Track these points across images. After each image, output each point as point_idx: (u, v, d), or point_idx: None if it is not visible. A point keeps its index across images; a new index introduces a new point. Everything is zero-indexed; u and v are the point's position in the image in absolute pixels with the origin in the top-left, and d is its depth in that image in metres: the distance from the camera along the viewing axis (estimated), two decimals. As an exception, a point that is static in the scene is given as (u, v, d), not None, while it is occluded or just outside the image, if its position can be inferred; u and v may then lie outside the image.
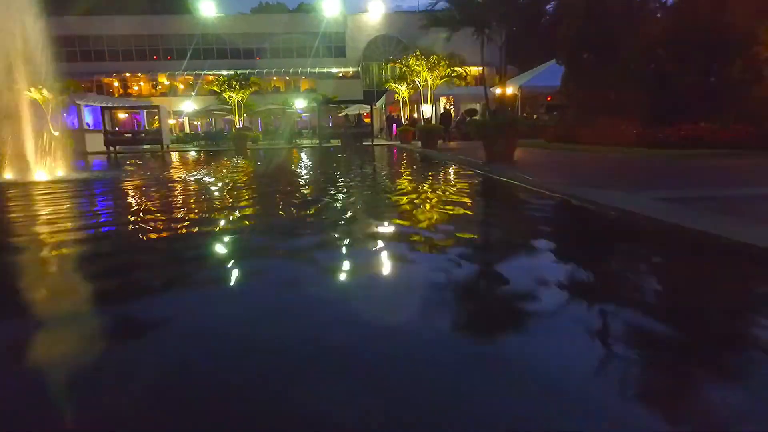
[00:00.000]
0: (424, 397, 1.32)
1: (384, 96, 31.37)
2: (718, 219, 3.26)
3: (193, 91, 40.29)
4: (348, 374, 1.45)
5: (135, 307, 2.14)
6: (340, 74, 41.02)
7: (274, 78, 40.89)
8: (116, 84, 40.60)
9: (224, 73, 40.47)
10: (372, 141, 22.67)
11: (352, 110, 33.05)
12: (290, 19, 42.18)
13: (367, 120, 28.51)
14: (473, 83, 41.97)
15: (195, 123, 40.52)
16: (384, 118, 32.50)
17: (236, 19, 42.73)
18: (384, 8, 43.59)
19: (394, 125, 28.32)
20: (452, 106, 29.00)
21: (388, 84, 21.11)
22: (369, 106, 30.55)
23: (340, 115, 33.85)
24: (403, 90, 21.59)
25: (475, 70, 42.45)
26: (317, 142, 25.71)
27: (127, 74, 40.37)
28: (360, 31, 42.24)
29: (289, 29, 41.68)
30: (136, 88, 41.18)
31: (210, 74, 40.16)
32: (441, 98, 28.86)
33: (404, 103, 26.34)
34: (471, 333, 1.79)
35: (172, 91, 40.73)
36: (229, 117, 32.76)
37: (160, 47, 41.65)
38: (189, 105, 40.26)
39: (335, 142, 24.67)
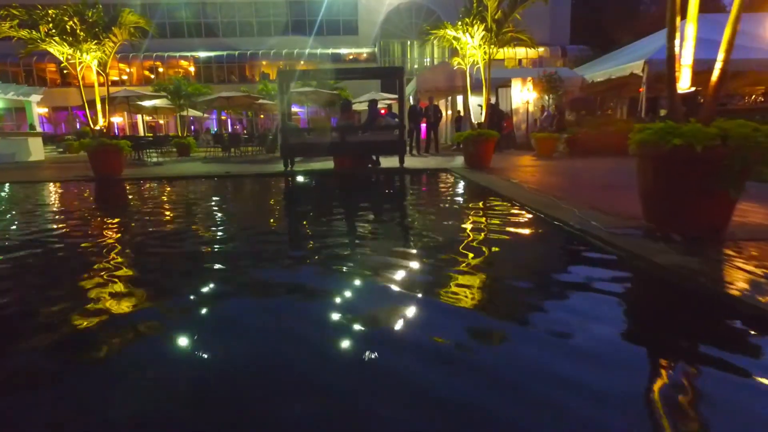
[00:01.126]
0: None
1: (413, 82, 21.10)
2: None
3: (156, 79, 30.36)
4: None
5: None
6: (351, 57, 30.85)
7: (263, 63, 30.87)
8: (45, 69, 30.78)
9: (200, 55, 30.81)
10: (402, 158, 12.93)
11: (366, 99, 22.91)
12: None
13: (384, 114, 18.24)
14: (529, 67, 31.59)
15: (160, 122, 30.68)
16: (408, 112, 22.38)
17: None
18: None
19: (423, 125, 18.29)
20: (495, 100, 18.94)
21: (455, 59, 11.00)
22: (389, 97, 20.49)
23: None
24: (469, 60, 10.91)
25: (533, 53, 32.23)
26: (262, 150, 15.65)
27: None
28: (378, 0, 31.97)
29: (283, -3, 31.59)
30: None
31: (183, 56, 30.38)
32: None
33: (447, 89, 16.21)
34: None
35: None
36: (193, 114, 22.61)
37: (113, 22, 31.62)
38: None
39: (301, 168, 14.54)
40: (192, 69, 30.65)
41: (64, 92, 30.19)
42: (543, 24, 32.24)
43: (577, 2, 34.16)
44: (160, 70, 30.46)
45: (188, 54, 30.49)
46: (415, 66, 30.81)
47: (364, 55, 30.92)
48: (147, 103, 17.48)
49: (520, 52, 31.03)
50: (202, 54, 30.56)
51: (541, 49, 31.20)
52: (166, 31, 31.94)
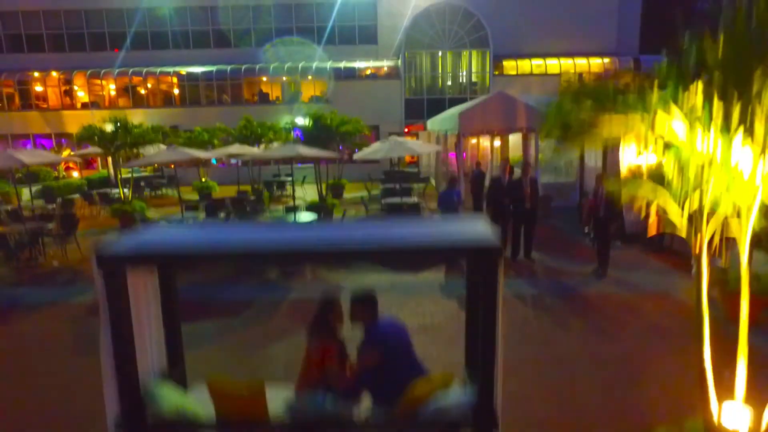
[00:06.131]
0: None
1: (455, 115, 15.92)
2: None
3: (133, 99, 26.12)
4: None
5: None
6: (369, 71, 26.10)
7: (263, 80, 26.38)
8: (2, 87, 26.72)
9: (186, 70, 26.39)
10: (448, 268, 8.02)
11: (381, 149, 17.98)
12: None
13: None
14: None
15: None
16: (448, 162, 17.21)
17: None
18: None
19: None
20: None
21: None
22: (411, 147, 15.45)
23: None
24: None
25: (597, 64, 27.00)
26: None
27: (33, 73, 26.47)
28: (402, 1, 27.20)
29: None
30: (39, 90, 27.19)
31: (165, 71, 26.24)
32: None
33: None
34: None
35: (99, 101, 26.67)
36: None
37: (84, 30, 27.63)
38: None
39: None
40: (175, 87, 26.32)
41: None
42: (609, 30, 27.16)
43: (649, 6, 28.87)
44: (140, 83, 26.20)
45: (170, 69, 26.16)
46: (448, 83, 25.90)
47: (385, 68, 26.24)
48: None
49: (580, 62, 25.91)
50: (189, 69, 26.21)
51: (606, 60, 26.03)
52: (148, 41, 27.71)
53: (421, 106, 25.85)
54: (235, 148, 14.07)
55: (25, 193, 20.16)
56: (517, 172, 11.11)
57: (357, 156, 12.23)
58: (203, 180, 19.56)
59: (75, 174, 25.39)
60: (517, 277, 8.43)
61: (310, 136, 13.01)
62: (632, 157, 10.12)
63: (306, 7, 27.31)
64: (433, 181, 21.33)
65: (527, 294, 7.71)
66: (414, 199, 13.02)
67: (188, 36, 27.79)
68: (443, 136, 17.97)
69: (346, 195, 19.25)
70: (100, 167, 26.60)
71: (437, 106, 25.82)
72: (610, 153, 11.24)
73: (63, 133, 26.47)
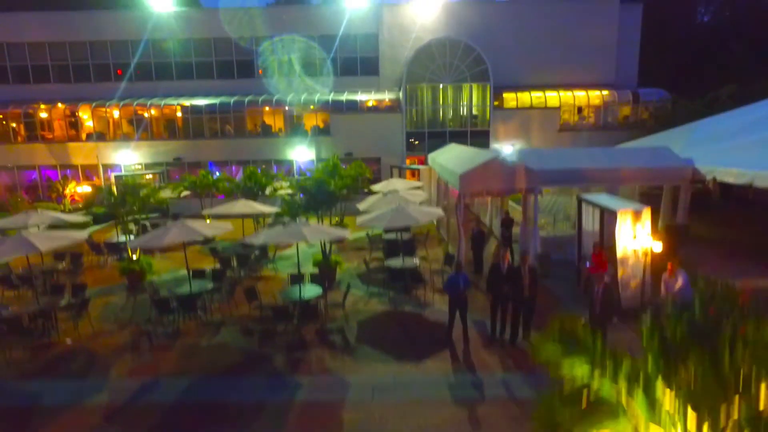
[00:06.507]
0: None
1: (456, 172, 16.25)
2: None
3: (137, 131, 26.46)
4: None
5: None
6: (370, 104, 26.41)
7: (265, 110, 26.69)
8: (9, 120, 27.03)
9: (195, 103, 26.53)
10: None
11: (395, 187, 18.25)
12: (289, 15, 27.82)
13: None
14: (592, 120, 26.70)
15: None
16: (457, 206, 17.46)
17: (206, 16, 28.70)
18: (441, -5, 28.75)
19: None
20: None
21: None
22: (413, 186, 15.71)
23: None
24: None
25: (596, 95, 27.21)
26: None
27: (38, 105, 26.78)
28: (402, 33, 27.67)
29: (287, 29, 27.41)
30: (45, 121, 27.50)
31: (169, 104, 26.57)
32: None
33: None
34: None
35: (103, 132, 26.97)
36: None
37: (90, 61, 28.00)
38: (128, 156, 26.59)
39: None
40: (179, 119, 26.62)
41: None
42: (608, 61, 27.46)
43: (647, 40, 29.19)
44: (144, 115, 26.48)
45: (174, 102, 26.47)
46: (449, 116, 26.19)
47: (387, 100, 26.48)
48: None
49: (579, 95, 26.20)
50: (192, 102, 26.51)
51: (605, 92, 26.33)
52: (151, 72, 28.07)
53: (422, 139, 26.15)
54: (241, 205, 14.37)
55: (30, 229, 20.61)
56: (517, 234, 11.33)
57: (359, 222, 12.49)
58: (208, 221, 19.83)
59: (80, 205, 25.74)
60: (517, 370, 8.74)
61: (311, 197, 13.29)
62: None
63: (308, 38, 27.61)
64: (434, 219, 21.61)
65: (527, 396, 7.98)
66: (415, 262, 13.29)
67: (191, 67, 28.13)
68: (444, 184, 18.33)
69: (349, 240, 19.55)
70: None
71: (438, 138, 26.17)
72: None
73: (68, 164, 26.83)
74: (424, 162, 25.62)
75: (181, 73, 28.12)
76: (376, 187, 20.02)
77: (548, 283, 13.48)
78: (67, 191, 25.17)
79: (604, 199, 12.03)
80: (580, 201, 12.86)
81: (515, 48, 27.20)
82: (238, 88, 27.99)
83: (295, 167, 26.39)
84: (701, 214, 16.91)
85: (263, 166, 17.49)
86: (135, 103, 26.51)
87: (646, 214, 10.37)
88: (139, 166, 26.56)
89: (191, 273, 12.02)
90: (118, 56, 27.92)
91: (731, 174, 13.43)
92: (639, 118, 26.33)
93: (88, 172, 27.16)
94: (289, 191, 16.07)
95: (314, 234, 10.07)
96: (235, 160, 26.65)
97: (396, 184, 19.85)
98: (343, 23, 27.53)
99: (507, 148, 25.93)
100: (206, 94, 27.56)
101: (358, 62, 28.07)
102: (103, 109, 26.83)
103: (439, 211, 12.89)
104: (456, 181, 14.17)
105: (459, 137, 26.04)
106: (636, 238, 10.22)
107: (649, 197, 18.45)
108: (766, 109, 16.89)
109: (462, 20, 27.44)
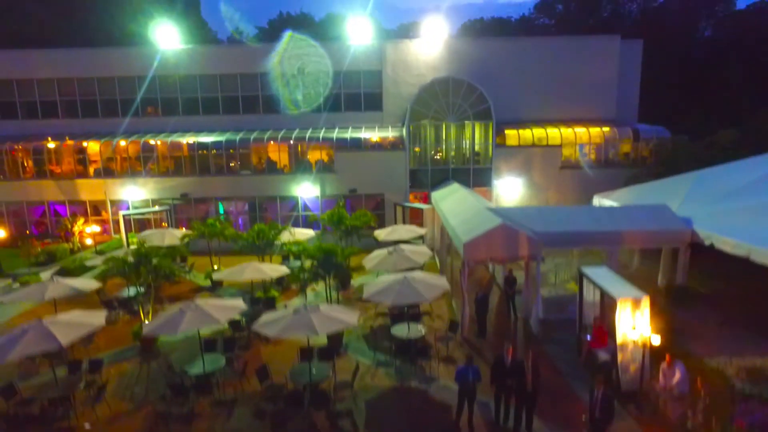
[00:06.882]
0: None
1: (459, 235, 16.57)
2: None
3: (144, 167, 26.87)
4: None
5: None
6: (374, 141, 26.79)
7: (270, 145, 27.06)
8: (18, 155, 27.40)
9: (200, 139, 26.84)
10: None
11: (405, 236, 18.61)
12: (292, 50, 28.18)
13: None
14: (593, 159, 27.04)
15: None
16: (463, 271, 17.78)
17: (213, 53, 29.19)
18: (445, 29, 29.12)
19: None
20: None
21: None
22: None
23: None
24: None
25: (596, 131, 27.53)
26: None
27: (47, 143, 27.19)
28: (406, 70, 28.07)
29: (292, 64, 27.83)
30: (53, 157, 27.90)
31: (176, 141, 26.98)
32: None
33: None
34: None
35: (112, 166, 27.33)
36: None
37: (97, 97, 28.44)
38: (136, 192, 26.99)
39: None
40: (186, 156, 27.00)
41: None
42: (608, 98, 27.90)
43: (648, 76, 29.58)
44: (151, 151, 26.87)
45: (181, 139, 26.87)
46: (452, 153, 26.55)
47: (390, 138, 26.86)
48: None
49: (580, 131, 26.57)
50: (199, 139, 26.89)
51: (606, 129, 26.69)
52: (158, 107, 28.53)
53: (425, 177, 26.52)
54: (250, 271, 14.76)
55: (43, 277, 21.04)
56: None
57: (366, 296, 12.87)
58: (215, 268, 20.26)
59: (89, 241, 26.14)
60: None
61: (320, 265, 13.66)
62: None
63: (313, 74, 28.02)
64: (437, 259, 22.02)
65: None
66: (421, 330, 13.65)
67: (197, 103, 28.56)
68: (448, 238, 18.72)
69: (354, 281, 19.95)
70: (112, 232, 27.37)
71: (441, 176, 26.58)
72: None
73: (77, 200, 27.23)
74: (427, 198, 26.03)
75: (188, 109, 28.57)
76: (380, 235, 20.42)
77: (549, 349, 13.86)
78: (76, 229, 25.56)
79: (605, 277, 12.39)
80: (581, 275, 13.22)
81: (516, 84, 27.62)
82: (244, 123, 28.42)
83: (300, 203, 26.77)
84: (701, 263, 17.18)
85: (269, 218, 17.78)
86: (142, 140, 26.90)
87: (645, 302, 10.72)
88: (146, 202, 26.98)
89: (203, 344, 12.42)
90: (125, 92, 28.36)
91: (728, 244, 13.80)
92: (639, 155, 26.69)
93: (96, 208, 27.63)
94: (296, 251, 16.40)
95: (324, 324, 10.44)
96: (241, 195, 27.05)
97: (400, 231, 20.22)
98: (347, 60, 27.94)
99: (508, 185, 26.35)
100: (212, 130, 28.00)
101: (362, 98, 28.49)
102: (110, 144, 27.19)
103: (444, 284, 13.23)
104: (460, 246, 14.56)
105: (462, 174, 26.45)
106: (635, 328, 10.57)
107: (651, 253, 18.89)
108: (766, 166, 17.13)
109: (464, 57, 27.84)
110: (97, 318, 11.30)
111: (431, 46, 27.90)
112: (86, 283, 14.54)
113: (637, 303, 10.72)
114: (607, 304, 11.78)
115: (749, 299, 16.14)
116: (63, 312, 11.83)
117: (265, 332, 10.47)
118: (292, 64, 27.81)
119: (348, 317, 11.04)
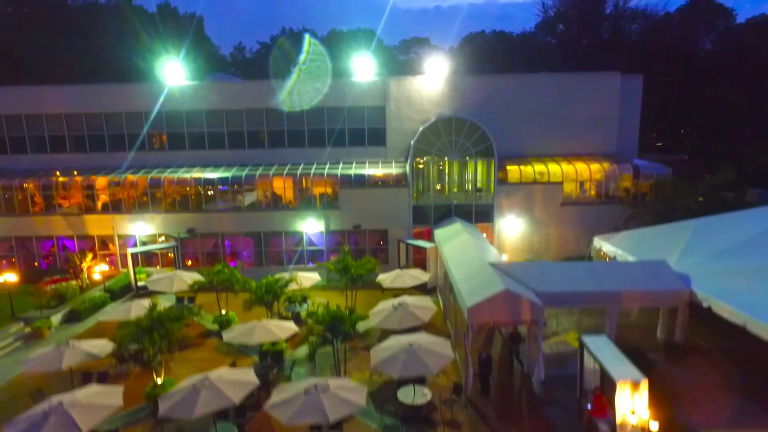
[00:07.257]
0: None
1: (463, 297, 16.91)
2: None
3: (152, 203, 27.29)
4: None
5: None
6: (377, 177, 27.20)
7: (272, 178, 27.45)
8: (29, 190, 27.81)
9: (206, 175, 27.25)
10: None
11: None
12: (299, 88, 28.57)
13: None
14: (593, 194, 27.44)
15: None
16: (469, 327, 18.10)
17: (219, 89, 29.59)
18: (447, 66, 29.55)
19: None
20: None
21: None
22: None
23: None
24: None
25: (597, 167, 27.91)
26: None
27: (55, 178, 27.63)
28: (410, 106, 28.49)
29: (297, 101, 28.26)
30: (62, 192, 28.33)
31: (182, 177, 27.40)
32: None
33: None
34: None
35: (119, 201, 27.74)
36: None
37: (105, 132, 28.91)
38: (143, 227, 27.42)
39: None
40: (192, 192, 27.42)
41: None
42: (609, 132, 28.32)
43: (647, 102, 29.94)
44: (158, 187, 27.27)
45: (187, 175, 27.29)
46: (454, 190, 26.95)
47: (393, 174, 27.26)
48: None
49: (581, 166, 26.94)
50: (205, 175, 27.31)
51: (606, 165, 27.08)
52: (164, 142, 28.98)
53: (428, 213, 26.92)
54: (260, 332, 15.18)
55: (54, 321, 21.48)
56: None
57: (372, 365, 13.29)
58: (223, 312, 20.66)
59: (97, 276, 26.53)
60: None
61: (328, 330, 14.09)
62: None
63: (317, 110, 28.44)
64: (440, 297, 22.44)
65: None
66: (426, 394, 14.04)
67: (203, 138, 29.00)
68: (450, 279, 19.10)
69: (360, 326, 20.32)
70: (120, 266, 27.79)
71: (444, 211, 26.98)
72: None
73: (85, 234, 27.66)
74: (429, 234, 26.42)
75: (194, 144, 29.00)
76: (383, 280, 20.82)
77: (551, 411, 14.24)
78: (84, 265, 25.97)
79: (604, 351, 12.77)
80: (582, 344, 13.60)
81: (518, 119, 28.04)
82: (249, 157, 28.86)
83: (305, 238, 27.19)
84: (701, 315, 17.46)
85: (276, 280, 18.18)
86: (149, 176, 27.32)
87: (644, 385, 11.12)
88: (153, 236, 27.41)
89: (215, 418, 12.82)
90: (132, 127, 28.80)
91: (726, 310, 14.12)
92: (639, 190, 27.07)
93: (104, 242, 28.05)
94: (304, 315, 16.81)
95: (334, 408, 10.84)
96: (247, 231, 27.45)
97: (404, 278, 20.64)
98: (351, 95, 28.36)
99: (510, 222, 26.73)
100: (218, 164, 28.44)
101: (365, 133, 28.91)
102: (118, 184, 27.53)
103: (449, 354, 13.63)
104: (464, 308, 14.96)
105: (464, 210, 26.84)
106: (634, 413, 10.96)
107: (650, 308, 19.20)
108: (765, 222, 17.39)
109: (466, 93, 28.24)
110: (115, 397, 11.70)
111: (434, 82, 28.29)
112: (101, 346, 14.94)
113: (636, 386, 11.11)
114: (607, 380, 12.16)
115: (749, 356, 16.36)
116: (80, 388, 12.24)
117: (277, 416, 10.87)
118: (298, 101, 28.25)
119: (357, 397, 11.43)
